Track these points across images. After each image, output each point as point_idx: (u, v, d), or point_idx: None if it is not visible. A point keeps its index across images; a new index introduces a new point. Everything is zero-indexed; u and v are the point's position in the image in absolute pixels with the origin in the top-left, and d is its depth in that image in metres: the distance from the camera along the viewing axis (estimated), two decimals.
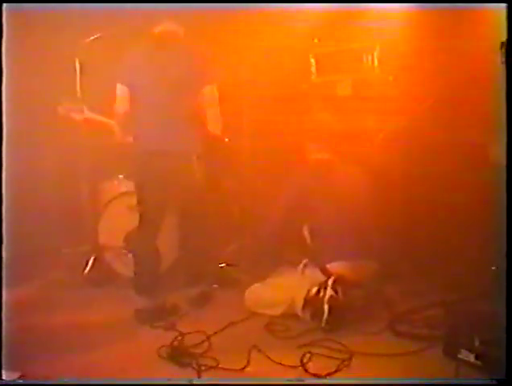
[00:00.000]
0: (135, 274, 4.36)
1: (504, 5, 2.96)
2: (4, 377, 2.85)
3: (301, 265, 3.99)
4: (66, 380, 2.97)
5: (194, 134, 4.20)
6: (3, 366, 2.87)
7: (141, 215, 4.26)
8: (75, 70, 4.56)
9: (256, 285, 4.01)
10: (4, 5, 2.93)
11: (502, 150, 2.89)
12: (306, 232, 4.10)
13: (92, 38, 4.51)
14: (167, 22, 4.14)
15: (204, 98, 4.22)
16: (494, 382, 2.72)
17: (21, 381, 2.95)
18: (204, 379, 3.04)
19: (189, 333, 3.57)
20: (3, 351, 2.85)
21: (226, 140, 4.54)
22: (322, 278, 3.77)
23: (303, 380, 3.02)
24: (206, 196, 4.31)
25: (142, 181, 4.26)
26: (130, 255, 4.57)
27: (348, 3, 4.68)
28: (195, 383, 2.99)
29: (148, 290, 4.19)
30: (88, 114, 4.35)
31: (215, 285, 4.44)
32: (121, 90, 4.15)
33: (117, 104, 4.17)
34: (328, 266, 3.84)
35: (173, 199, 4.31)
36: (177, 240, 4.61)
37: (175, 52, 4.17)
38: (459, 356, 3.12)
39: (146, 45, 4.22)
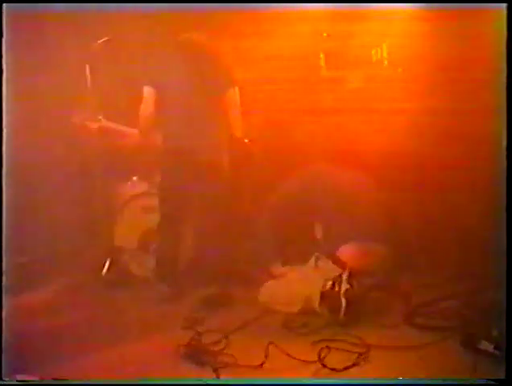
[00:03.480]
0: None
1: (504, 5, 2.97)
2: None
3: (313, 259, 3.99)
4: (66, 380, 2.98)
5: (218, 135, 4.28)
6: (18, 369, 2.91)
7: (163, 214, 4.35)
8: (79, 71, 4.58)
9: (270, 281, 4.02)
10: (4, 5, 2.96)
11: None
12: (317, 228, 4.10)
13: (101, 41, 4.51)
14: (191, 30, 4.26)
15: (226, 100, 4.27)
16: (494, 383, 2.69)
17: (20, 381, 2.94)
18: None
19: (207, 331, 3.58)
20: (18, 354, 2.88)
21: (246, 141, 4.55)
22: (335, 270, 3.76)
23: None
24: (230, 196, 4.34)
25: (167, 179, 4.35)
26: (146, 256, 4.62)
27: (353, 3, 4.65)
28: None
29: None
30: (104, 123, 4.40)
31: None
32: (147, 92, 4.19)
33: (144, 106, 4.20)
34: (339, 251, 3.84)
35: (196, 198, 4.36)
36: (197, 238, 4.62)
37: (199, 55, 4.26)
38: (477, 347, 3.10)
39: (171, 48, 4.30)
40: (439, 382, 2.86)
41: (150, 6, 4.32)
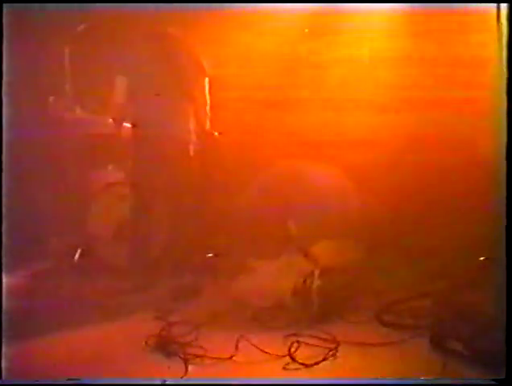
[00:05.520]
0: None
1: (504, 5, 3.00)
2: None
3: (286, 254, 4.00)
4: (65, 381, 2.95)
5: (188, 125, 4.32)
6: None
7: (134, 202, 4.39)
8: (56, 60, 4.56)
9: (243, 275, 4.02)
10: (4, 5, 2.93)
11: (498, 146, 2.90)
12: (291, 224, 4.12)
13: (81, 27, 4.49)
14: (168, 26, 4.30)
15: (195, 92, 4.32)
16: (494, 382, 2.71)
17: (21, 381, 2.92)
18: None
19: (177, 322, 3.58)
20: None
21: (216, 134, 4.55)
22: (308, 266, 3.77)
23: None
24: (198, 185, 4.34)
25: (137, 167, 4.37)
26: (119, 244, 4.61)
27: (343, 3, 4.66)
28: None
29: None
30: (80, 113, 4.40)
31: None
32: (120, 81, 4.21)
33: (116, 95, 4.24)
34: (312, 248, 3.86)
35: (166, 187, 4.37)
36: (168, 228, 4.61)
37: (172, 48, 4.31)
38: (446, 346, 3.12)
39: (146, 39, 4.32)
40: (438, 382, 2.87)
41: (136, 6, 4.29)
